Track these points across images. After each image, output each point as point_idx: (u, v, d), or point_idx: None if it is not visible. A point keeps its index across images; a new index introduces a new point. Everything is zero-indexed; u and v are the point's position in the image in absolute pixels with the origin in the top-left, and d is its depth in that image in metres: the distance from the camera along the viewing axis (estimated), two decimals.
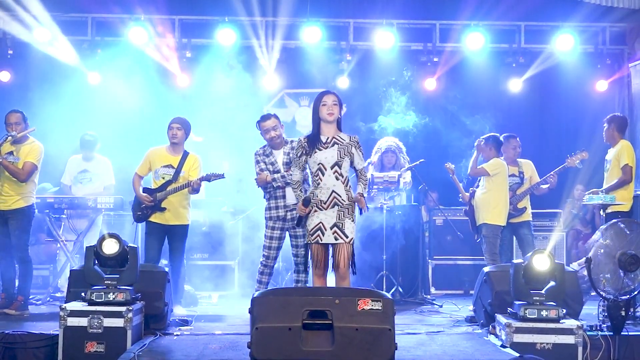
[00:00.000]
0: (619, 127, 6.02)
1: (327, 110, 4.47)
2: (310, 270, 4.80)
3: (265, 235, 5.42)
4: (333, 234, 4.43)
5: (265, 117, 5.39)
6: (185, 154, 5.70)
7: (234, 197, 7.24)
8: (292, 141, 5.35)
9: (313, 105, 4.55)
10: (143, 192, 5.66)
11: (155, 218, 5.64)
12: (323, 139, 4.51)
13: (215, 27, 7.72)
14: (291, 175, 4.74)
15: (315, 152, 4.47)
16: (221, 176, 5.65)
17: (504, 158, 6.38)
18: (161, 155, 5.69)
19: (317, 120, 4.52)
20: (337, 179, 4.45)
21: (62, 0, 7.74)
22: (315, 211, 4.46)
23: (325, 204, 4.45)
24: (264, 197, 5.43)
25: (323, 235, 4.43)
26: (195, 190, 5.60)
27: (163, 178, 5.65)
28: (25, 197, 5.61)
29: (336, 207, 4.45)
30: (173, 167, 5.65)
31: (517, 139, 6.50)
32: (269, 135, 5.33)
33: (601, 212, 5.79)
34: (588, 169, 6.32)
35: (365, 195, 4.55)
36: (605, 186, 5.93)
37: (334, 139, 4.51)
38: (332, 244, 4.48)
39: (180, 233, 5.70)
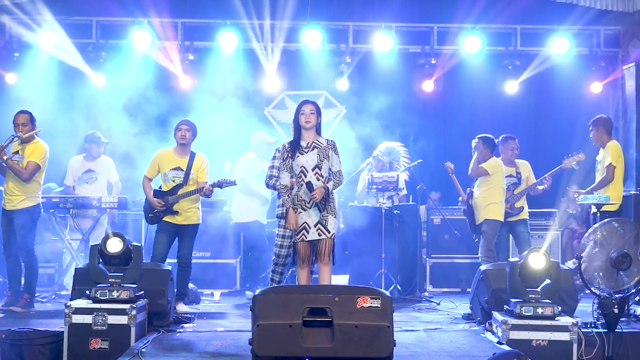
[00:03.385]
0: (607, 129, 6.12)
1: (305, 118, 4.81)
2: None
3: (277, 234, 5.54)
4: (317, 230, 4.77)
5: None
6: (193, 155, 5.74)
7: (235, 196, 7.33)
8: None
9: (294, 113, 4.87)
10: (154, 196, 5.68)
11: (166, 218, 5.68)
12: (303, 144, 4.84)
13: (218, 30, 7.82)
14: (280, 180, 4.94)
15: (298, 156, 4.82)
16: (233, 183, 5.75)
17: (502, 159, 6.48)
18: (169, 158, 5.72)
19: (297, 128, 4.87)
20: (317, 179, 4.78)
21: (67, 4, 7.84)
22: (300, 212, 4.77)
23: (308, 203, 4.77)
24: (277, 196, 5.54)
25: (308, 234, 4.77)
26: (207, 196, 5.67)
27: (173, 181, 5.67)
28: (30, 197, 5.66)
29: (318, 204, 4.74)
30: (182, 170, 5.67)
31: (516, 140, 6.58)
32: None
33: (595, 210, 5.85)
34: (583, 169, 6.41)
35: (329, 189, 4.79)
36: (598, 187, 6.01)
37: (313, 143, 4.84)
38: (316, 240, 4.76)
39: (190, 231, 5.75)
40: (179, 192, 5.66)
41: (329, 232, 4.78)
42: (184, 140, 5.70)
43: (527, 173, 6.56)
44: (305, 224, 4.78)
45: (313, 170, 4.79)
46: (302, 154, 4.81)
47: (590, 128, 6.17)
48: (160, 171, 5.73)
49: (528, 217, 6.55)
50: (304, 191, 4.78)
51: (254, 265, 6.89)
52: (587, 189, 6.13)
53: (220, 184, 5.70)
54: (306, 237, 4.78)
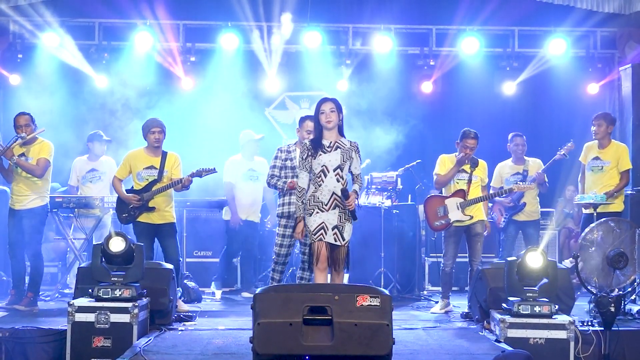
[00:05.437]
0: (612, 129, 6.11)
1: (326, 118, 4.60)
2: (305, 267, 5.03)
3: (277, 233, 5.57)
4: (333, 234, 4.58)
5: (305, 118, 5.56)
6: (165, 154, 5.71)
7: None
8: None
9: (314, 113, 4.70)
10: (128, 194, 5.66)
11: (142, 218, 5.65)
12: (325, 143, 4.65)
13: (219, 32, 7.87)
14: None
15: (320, 154, 4.60)
16: (213, 171, 5.70)
17: (512, 157, 6.52)
18: (141, 158, 5.69)
19: (318, 127, 4.66)
20: (337, 181, 4.58)
21: (71, 6, 7.88)
22: (317, 213, 4.59)
23: (326, 205, 4.58)
24: (278, 195, 5.59)
25: (326, 234, 4.57)
26: (186, 187, 5.63)
27: (147, 180, 5.65)
28: (40, 197, 5.72)
29: (337, 208, 4.59)
30: (155, 168, 5.65)
31: (523, 137, 6.60)
32: (299, 134, 5.58)
33: (591, 210, 5.87)
34: (579, 170, 6.44)
35: (357, 193, 4.70)
36: (607, 189, 5.89)
37: (336, 143, 4.65)
38: (331, 244, 4.62)
39: (169, 231, 5.70)
40: (154, 188, 5.63)
41: (343, 240, 4.59)
42: (159, 143, 5.68)
43: (535, 171, 6.53)
44: (323, 223, 4.56)
45: (334, 170, 4.57)
46: (324, 153, 4.59)
47: (599, 122, 6.00)
48: (132, 172, 5.71)
49: (539, 217, 6.63)
50: (322, 192, 4.56)
51: (243, 265, 6.91)
52: (605, 192, 5.88)
53: (199, 174, 5.64)
54: (324, 237, 4.56)
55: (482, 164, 6.03)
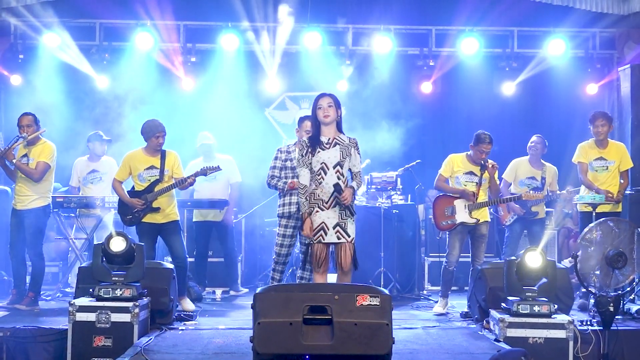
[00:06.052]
0: (612, 128, 6.12)
1: (323, 113, 4.51)
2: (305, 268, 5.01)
3: (277, 233, 5.59)
4: (336, 233, 4.48)
5: (305, 118, 5.57)
6: (163, 153, 5.70)
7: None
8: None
9: (312, 108, 4.63)
10: (131, 197, 5.64)
11: (146, 219, 5.62)
12: (324, 139, 4.55)
13: (219, 32, 7.88)
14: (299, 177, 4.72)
15: (319, 151, 4.51)
16: (217, 169, 5.70)
17: (529, 158, 6.55)
18: (141, 159, 5.67)
19: (316, 123, 4.57)
20: (338, 178, 4.49)
21: (72, 6, 7.88)
22: (317, 211, 4.51)
23: (326, 203, 4.50)
24: (279, 195, 5.60)
25: (325, 235, 4.48)
26: (190, 184, 5.64)
27: (149, 180, 5.64)
28: (42, 197, 5.74)
29: (337, 206, 4.52)
30: (156, 168, 5.63)
31: (540, 137, 6.61)
32: (298, 134, 5.63)
33: (589, 209, 5.87)
34: (576, 170, 6.43)
35: (355, 189, 4.56)
36: (613, 188, 5.87)
37: (335, 140, 4.55)
38: (334, 243, 4.55)
39: (173, 229, 5.67)
40: (157, 189, 5.61)
41: (349, 236, 4.48)
42: (161, 147, 5.67)
43: (551, 179, 6.57)
44: (323, 224, 4.47)
45: (334, 167, 4.47)
46: (323, 150, 4.49)
47: (602, 122, 5.95)
48: (132, 173, 5.69)
49: (545, 217, 6.68)
50: (322, 190, 4.47)
51: (227, 266, 6.91)
52: (618, 194, 5.88)
53: (204, 172, 5.62)
54: (323, 239, 4.47)
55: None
